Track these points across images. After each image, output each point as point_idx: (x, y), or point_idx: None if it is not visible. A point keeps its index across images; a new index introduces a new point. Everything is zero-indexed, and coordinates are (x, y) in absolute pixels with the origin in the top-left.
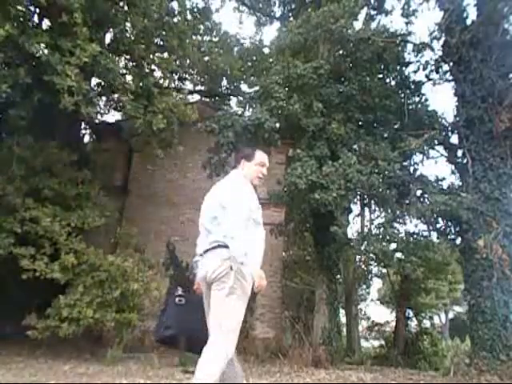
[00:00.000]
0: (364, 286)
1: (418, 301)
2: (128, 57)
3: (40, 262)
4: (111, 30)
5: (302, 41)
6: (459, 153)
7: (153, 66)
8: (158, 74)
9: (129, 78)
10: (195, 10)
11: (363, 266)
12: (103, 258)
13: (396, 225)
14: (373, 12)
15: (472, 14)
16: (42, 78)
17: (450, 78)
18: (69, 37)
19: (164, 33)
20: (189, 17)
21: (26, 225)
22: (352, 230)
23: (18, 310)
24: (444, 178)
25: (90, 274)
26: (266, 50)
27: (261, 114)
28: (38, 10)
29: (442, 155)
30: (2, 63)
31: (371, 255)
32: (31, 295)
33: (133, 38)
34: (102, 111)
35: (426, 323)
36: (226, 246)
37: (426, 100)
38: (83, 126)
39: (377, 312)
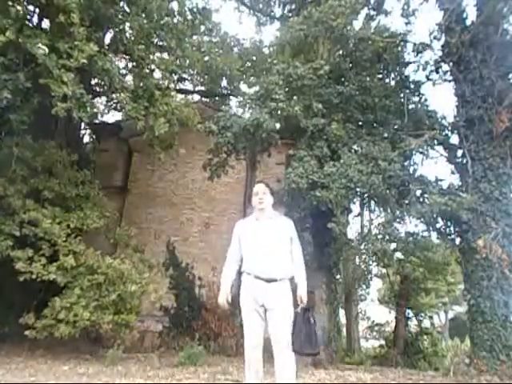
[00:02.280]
0: (364, 286)
1: (418, 301)
2: (128, 57)
3: (37, 263)
4: (110, 30)
5: (302, 37)
6: (459, 153)
7: (152, 67)
8: (157, 74)
9: (129, 78)
10: (195, 10)
11: (363, 266)
12: (101, 260)
13: (396, 225)
14: (372, 12)
15: (472, 14)
16: (40, 82)
17: (450, 78)
18: (66, 37)
19: (163, 33)
20: (188, 17)
21: (25, 227)
22: (352, 231)
23: (17, 311)
24: (444, 179)
25: (87, 276)
26: (266, 51)
27: (260, 115)
28: (38, 11)
29: (441, 155)
30: (3, 66)
31: (371, 255)
32: (29, 296)
33: (132, 39)
34: (98, 113)
35: (426, 323)
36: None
37: (426, 100)
38: (83, 126)
39: (377, 312)
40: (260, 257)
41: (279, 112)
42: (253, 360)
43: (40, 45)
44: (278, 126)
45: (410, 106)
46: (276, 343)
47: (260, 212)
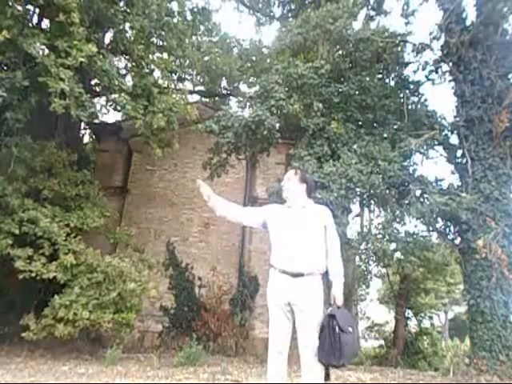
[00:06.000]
0: (364, 286)
1: (418, 301)
2: (127, 57)
3: (37, 262)
4: (110, 30)
5: (301, 41)
6: (459, 153)
7: (152, 66)
8: (157, 74)
9: (128, 77)
10: (195, 10)
11: (363, 266)
12: (101, 259)
13: (395, 225)
14: (372, 12)
15: (472, 14)
16: (39, 80)
17: (450, 78)
18: (65, 37)
19: (163, 33)
20: (188, 17)
21: (25, 226)
22: (352, 230)
23: (17, 311)
24: (444, 179)
25: (87, 274)
26: (266, 51)
27: (261, 112)
28: (37, 11)
29: (441, 155)
30: (1, 64)
31: (371, 255)
32: (30, 296)
33: (132, 38)
34: (96, 112)
35: (426, 323)
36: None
37: (426, 100)
38: (83, 126)
39: (376, 312)
40: (286, 249)
41: (279, 110)
42: (276, 365)
43: (38, 44)
44: (277, 125)
45: (410, 106)
46: (304, 347)
47: (289, 200)
